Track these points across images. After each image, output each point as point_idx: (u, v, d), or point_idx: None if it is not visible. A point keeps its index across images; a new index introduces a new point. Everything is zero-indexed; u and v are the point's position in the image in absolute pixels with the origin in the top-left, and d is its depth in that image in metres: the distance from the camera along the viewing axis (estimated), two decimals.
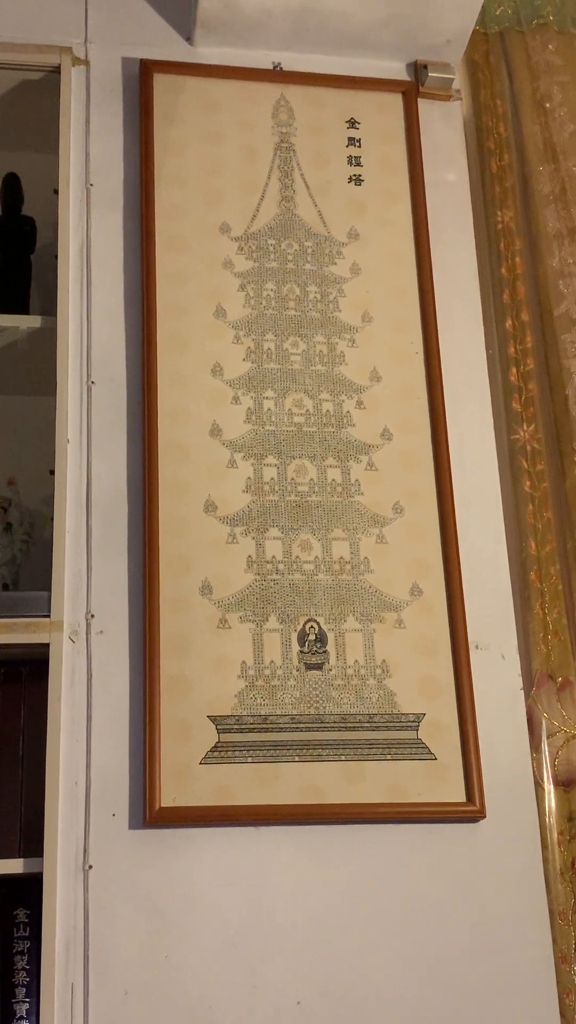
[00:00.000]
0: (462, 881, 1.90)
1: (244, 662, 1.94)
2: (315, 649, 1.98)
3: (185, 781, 1.85)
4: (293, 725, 1.92)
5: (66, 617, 1.92)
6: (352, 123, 2.35)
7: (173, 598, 1.95)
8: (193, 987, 1.77)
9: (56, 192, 2.17)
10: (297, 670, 1.96)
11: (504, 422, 2.24)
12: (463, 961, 1.86)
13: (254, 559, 2.01)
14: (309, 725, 1.93)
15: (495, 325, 2.32)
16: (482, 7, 2.38)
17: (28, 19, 2.29)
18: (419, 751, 1.94)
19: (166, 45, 2.33)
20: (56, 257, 2.13)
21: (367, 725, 1.94)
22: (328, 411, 2.13)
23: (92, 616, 1.94)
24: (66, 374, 2.06)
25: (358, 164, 2.33)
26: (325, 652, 1.98)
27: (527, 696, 2.05)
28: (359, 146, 2.34)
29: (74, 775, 1.85)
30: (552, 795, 2.00)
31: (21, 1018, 1.75)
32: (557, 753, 2.03)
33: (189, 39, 2.34)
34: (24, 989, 1.76)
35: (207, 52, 2.34)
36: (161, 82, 2.28)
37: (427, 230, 2.28)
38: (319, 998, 1.80)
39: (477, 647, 2.03)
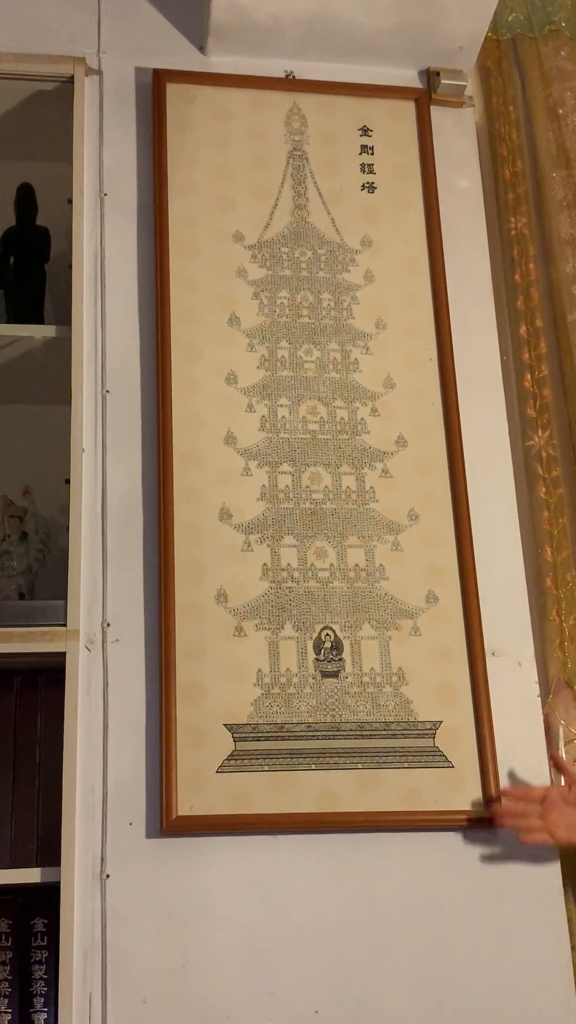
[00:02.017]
0: (480, 889, 1.89)
1: (260, 670, 1.94)
2: (331, 657, 1.98)
3: (201, 789, 1.85)
4: (309, 733, 1.92)
5: (82, 626, 1.92)
6: (365, 131, 2.35)
7: (188, 606, 1.95)
8: (211, 995, 1.77)
9: (70, 202, 2.18)
10: (313, 678, 1.96)
11: (519, 428, 2.24)
12: (481, 969, 1.85)
13: (269, 567, 2.01)
14: (325, 733, 1.93)
15: (509, 331, 2.32)
16: (494, 13, 2.38)
17: (42, 30, 2.31)
18: (436, 759, 1.94)
19: (179, 55, 2.34)
20: (70, 266, 2.14)
21: (383, 733, 1.94)
22: (342, 418, 2.13)
23: (108, 625, 1.94)
24: (81, 383, 2.06)
25: (371, 171, 2.33)
26: (341, 660, 1.98)
27: (544, 703, 2.04)
28: (372, 153, 2.34)
29: (91, 784, 1.85)
30: None
31: None
32: (575, 760, 2.02)
33: (201, 48, 2.35)
34: (42, 999, 1.76)
35: (219, 61, 2.35)
36: (174, 91, 2.29)
37: (440, 237, 2.28)
38: (336, 1005, 1.80)
39: (493, 654, 2.02)
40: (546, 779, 1.97)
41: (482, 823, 1.90)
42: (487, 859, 1.90)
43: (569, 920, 1.91)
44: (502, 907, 1.89)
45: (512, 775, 1.95)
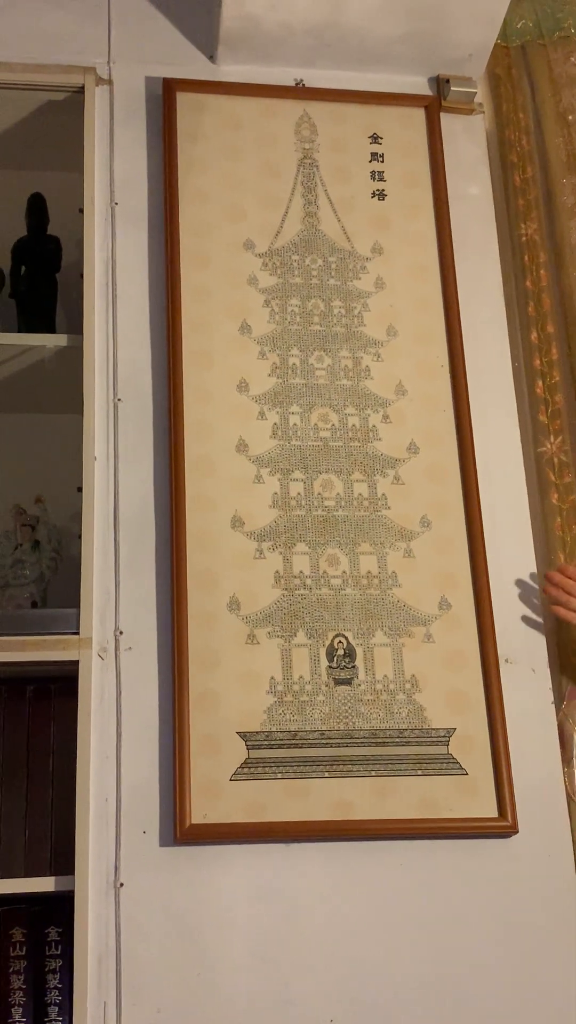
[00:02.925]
0: (494, 897, 1.88)
1: (273, 678, 1.94)
2: (344, 664, 1.97)
3: (215, 798, 1.84)
4: (323, 741, 1.92)
5: (95, 634, 1.92)
6: (375, 138, 2.36)
7: (201, 614, 1.95)
8: (226, 1004, 1.77)
9: (81, 211, 2.18)
10: (326, 685, 1.95)
11: (531, 434, 2.23)
12: (496, 977, 1.84)
13: (281, 574, 2.01)
14: (339, 741, 1.92)
15: (520, 338, 2.31)
16: (503, 20, 2.38)
17: (52, 40, 2.31)
18: (450, 766, 1.93)
19: (189, 63, 2.35)
20: (82, 276, 2.15)
21: (397, 740, 1.94)
22: (354, 425, 2.13)
23: (121, 633, 1.94)
24: (92, 392, 2.06)
25: (381, 179, 2.33)
26: (354, 667, 1.97)
27: (558, 710, 2.03)
28: (382, 161, 2.34)
29: (104, 792, 1.85)
30: None
31: None
32: None
33: (211, 57, 2.35)
34: (56, 1008, 1.76)
35: (229, 70, 2.35)
36: (184, 100, 2.29)
37: (451, 243, 2.28)
38: (352, 1015, 1.79)
39: (507, 661, 2.02)
40: (560, 787, 1.97)
41: (497, 831, 1.90)
42: (502, 867, 1.89)
43: None
44: (517, 915, 1.88)
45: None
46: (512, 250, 2.38)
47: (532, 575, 2.10)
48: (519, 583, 2.09)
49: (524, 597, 2.08)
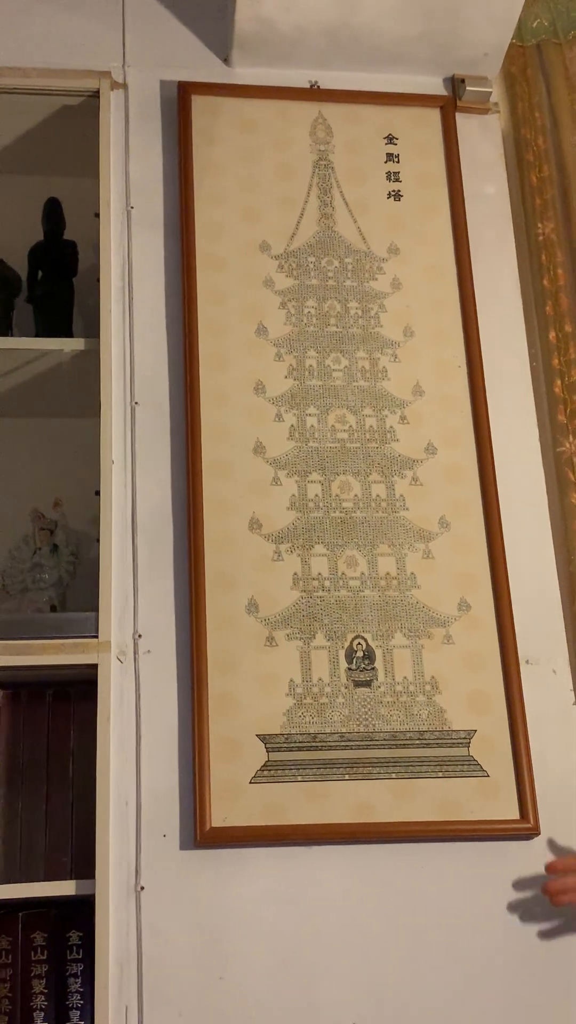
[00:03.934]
0: (517, 899, 1.87)
1: (292, 680, 1.94)
2: (363, 666, 1.97)
3: (235, 800, 1.84)
4: (342, 743, 1.91)
5: (113, 637, 1.92)
6: (390, 139, 2.35)
7: (219, 616, 1.95)
8: (248, 1008, 1.76)
9: (97, 215, 2.19)
10: (345, 687, 1.95)
11: (549, 434, 2.22)
12: (520, 980, 1.83)
13: (300, 576, 2.00)
14: (358, 743, 1.91)
15: (538, 337, 2.30)
16: (519, 20, 2.38)
17: (66, 45, 2.32)
18: (471, 768, 1.92)
19: (203, 66, 2.35)
20: (98, 280, 2.15)
21: (417, 742, 1.93)
22: (371, 426, 2.13)
23: (139, 636, 1.94)
24: (110, 395, 2.07)
25: (397, 179, 2.32)
26: (373, 669, 1.97)
27: None
28: (398, 162, 2.34)
29: (124, 796, 1.85)
30: None
31: None
32: None
33: (226, 60, 2.36)
34: (78, 1012, 1.76)
35: (244, 72, 2.35)
36: (199, 103, 2.29)
37: (467, 244, 2.28)
38: (375, 1018, 1.78)
39: (527, 662, 2.01)
40: None
41: (519, 833, 1.88)
42: (525, 869, 1.88)
43: None
44: (541, 917, 1.86)
45: (552, 844, 1.91)
46: (529, 249, 2.37)
47: (552, 575, 2.09)
48: (538, 583, 2.08)
49: (544, 597, 2.07)
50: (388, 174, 2.33)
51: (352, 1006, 1.78)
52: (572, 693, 2.02)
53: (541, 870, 1.87)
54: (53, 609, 2.13)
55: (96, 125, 2.25)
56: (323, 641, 1.97)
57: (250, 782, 1.86)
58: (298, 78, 2.37)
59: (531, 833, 1.89)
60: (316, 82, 2.38)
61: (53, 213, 2.38)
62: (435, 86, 2.42)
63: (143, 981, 1.75)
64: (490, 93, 2.42)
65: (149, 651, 1.94)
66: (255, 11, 2.25)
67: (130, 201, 2.23)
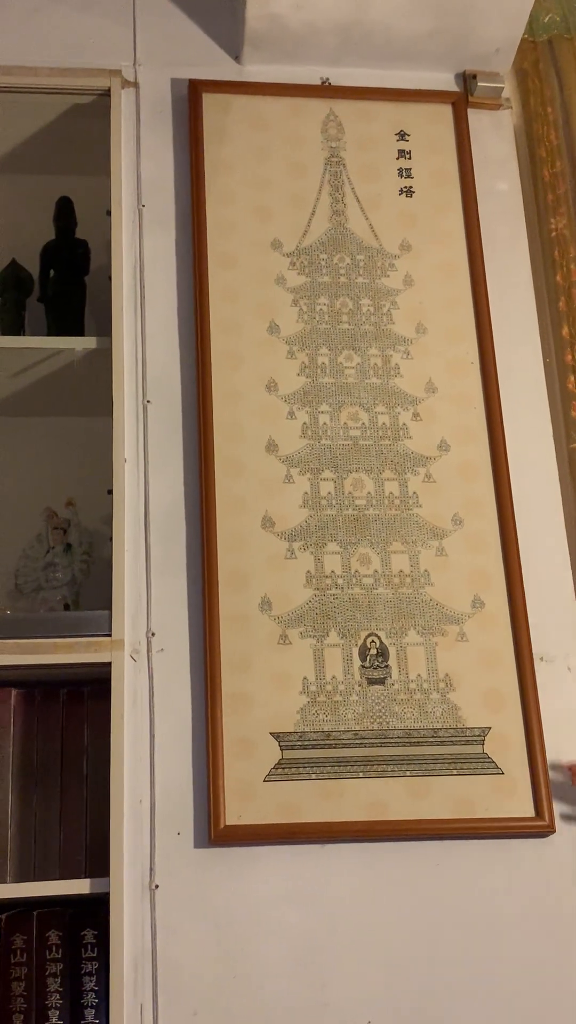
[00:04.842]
0: (532, 897, 1.87)
1: (306, 678, 1.93)
2: (377, 664, 1.96)
3: (249, 799, 1.84)
4: (357, 741, 1.91)
5: (127, 635, 1.92)
6: (402, 135, 2.35)
7: (233, 615, 1.95)
8: (263, 1006, 1.76)
9: (109, 214, 2.19)
10: (359, 685, 1.94)
11: (563, 430, 2.21)
12: (535, 978, 1.82)
13: (313, 574, 2.00)
14: (373, 741, 1.91)
15: (551, 333, 2.29)
16: (530, 15, 2.37)
17: (78, 44, 2.32)
18: (485, 766, 1.92)
19: (214, 64, 2.35)
20: (110, 278, 2.15)
21: (431, 740, 1.92)
22: (384, 424, 2.12)
23: (153, 634, 1.94)
24: (122, 394, 2.06)
25: (409, 176, 2.32)
26: (387, 666, 1.96)
27: None
28: (409, 158, 2.33)
29: (138, 794, 1.85)
30: None
31: None
32: None
33: (237, 58, 2.35)
34: (93, 1010, 1.76)
35: (255, 70, 2.35)
36: (210, 101, 2.29)
37: (480, 240, 2.27)
38: (390, 1016, 1.78)
39: (542, 659, 2.00)
40: None
41: (534, 830, 1.88)
42: (540, 866, 1.88)
43: None
44: (556, 916, 1.86)
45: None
46: (542, 245, 2.37)
47: (566, 572, 2.08)
48: (553, 580, 2.07)
49: (558, 594, 2.07)
50: (400, 170, 2.32)
51: (367, 1004, 1.78)
52: None
53: (558, 867, 1.87)
54: (66, 608, 2.13)
55: (107, 124, 2.25)
56: (337, 639, 1.96)
57: (264, 780, 1.86)
58: (309, 75, 2.37)
59: (546, 831, 1.88)
60: (327, 79, 2.37)
61: (64, 212, 2.39)
62: (447, 82, 2.42)
63: (158, 979, 1.75)
64: (502, 89, 2.41)
65: (162, 649, 1.94)
66: (266, 8, 2.24)
67: (141, 199, 2.23)
